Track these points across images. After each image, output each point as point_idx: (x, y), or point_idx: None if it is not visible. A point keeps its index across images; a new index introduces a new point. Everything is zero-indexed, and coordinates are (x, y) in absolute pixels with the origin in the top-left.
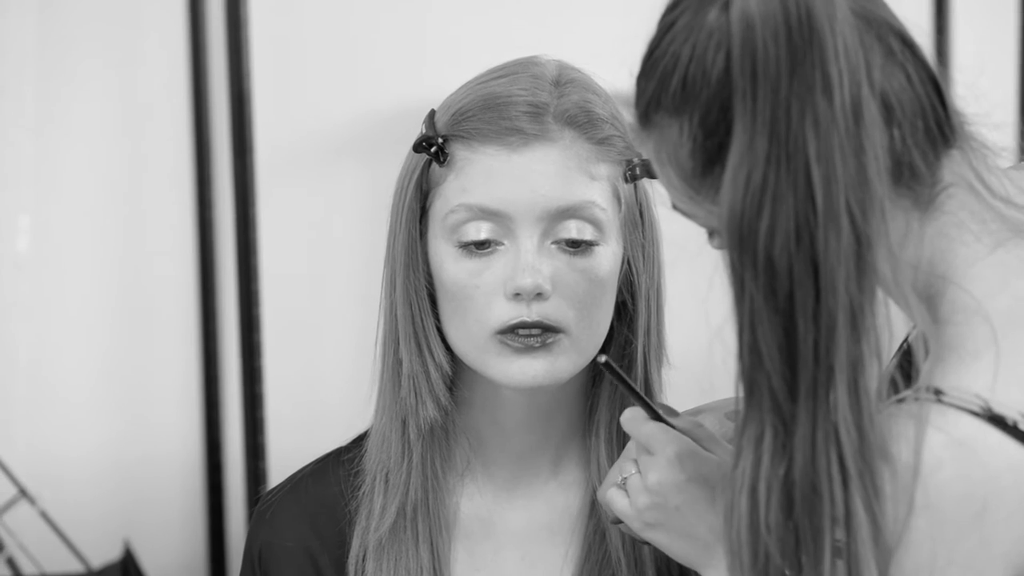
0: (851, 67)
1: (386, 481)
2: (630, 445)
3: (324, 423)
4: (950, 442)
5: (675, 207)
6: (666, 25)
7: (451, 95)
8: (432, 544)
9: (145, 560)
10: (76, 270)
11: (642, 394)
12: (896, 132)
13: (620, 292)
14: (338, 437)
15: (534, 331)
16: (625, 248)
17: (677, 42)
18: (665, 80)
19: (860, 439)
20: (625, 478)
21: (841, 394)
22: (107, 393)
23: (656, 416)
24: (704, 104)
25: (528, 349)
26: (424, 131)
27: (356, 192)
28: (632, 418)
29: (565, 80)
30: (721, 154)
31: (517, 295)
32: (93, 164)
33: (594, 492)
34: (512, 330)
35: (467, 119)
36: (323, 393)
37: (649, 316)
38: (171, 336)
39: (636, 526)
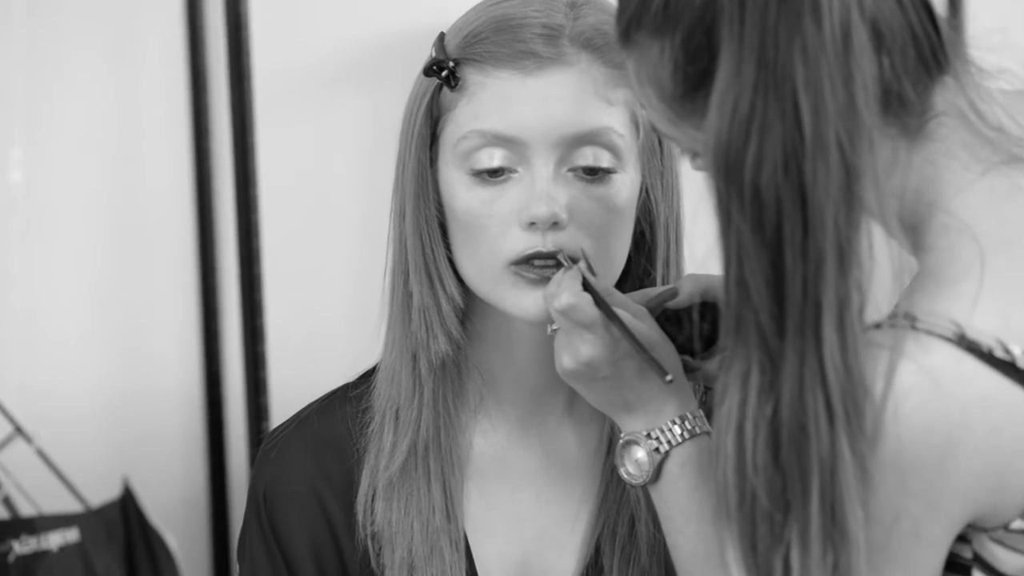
0: None
1: (396, 418)
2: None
3: (326, 356)
4: (918, 370)
5: (654, 128)
6: None
7: (462, 17)
8: (444, 483)
9: (145, 498)
10: (70, 202)
11: (594, 287)
12: (886, 60)
13: (638, 222)
14: (341, 371)
15: (549, 262)
16: (644, 176)
17: None
18: None
19: (847, 377)
20: (555, 328)
21: (828, 330)
22: (103, 328)
23: (607, 311)
24: (687, 26)
25: (543, 280)
26: (434, 54)
27: (357, 121)
28: (579, 298)
29: (581, 1)
30: (705, 80)
31: (532, 224)
32: (86, 93)
33: (611, 429)
34: (527, 261)
35: (479, 42)
36: (325, 326)
37: (668, 247)
38: (168, 269)
39: (559, 364)
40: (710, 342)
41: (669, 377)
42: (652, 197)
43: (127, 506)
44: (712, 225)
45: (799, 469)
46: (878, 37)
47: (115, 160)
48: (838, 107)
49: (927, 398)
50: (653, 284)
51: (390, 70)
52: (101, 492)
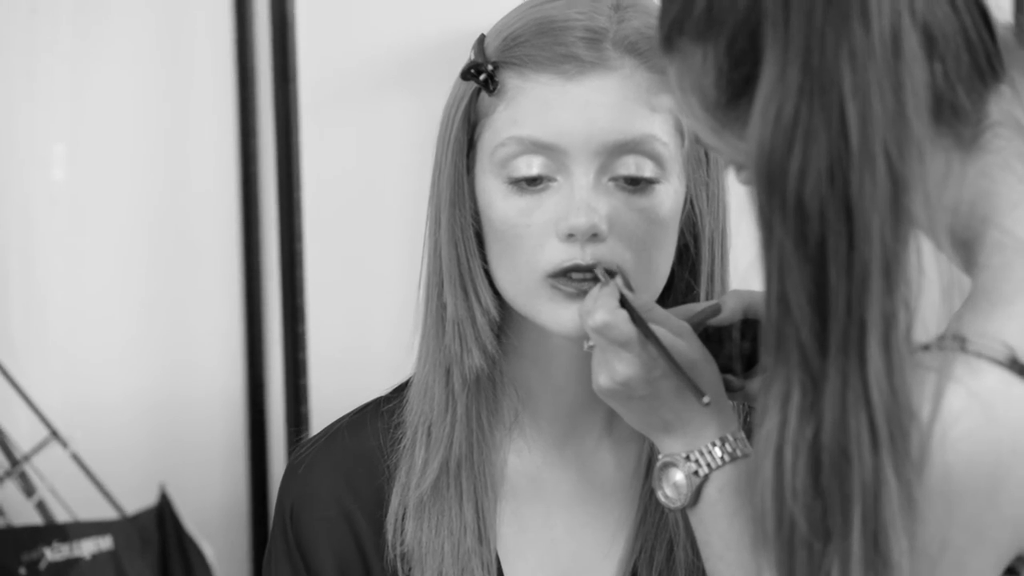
0: None
1: (428, 434)
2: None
3: (368, 366)
4: (967, 394)
5: (697, 140)
6: None
7: (503, 19)
8: (477, 503)
9: (184, 505)
10: (112, 202)
11: (632, 304)
12: (938, 66)
13: (682, 234)
14: (383, 381)
15: (588, 275)
16: (688, 187)
17: None
18: (690, 3)
19: (892, 399)
20: (591, 345)
21: (874, 350)
22: (145, 332)
23: (644, 330)
24: (731, 31)
25: (581, 294)
26: (473, 57)
27: (404, 123)
28: (615, 315)
29: (626, 3)
30: (748, 87)
31: (571, 236)
32: (131, 92)
33: (650, 450)
34: (565, 273)
35: (519, 45)
36: (368, 334)
37: (712, 261)
38: (212, 272)
39: (595, 382)
40: (753, 361)
41: (706, 399)
42: (697, 209)
43: (163, 514)
44: (754, 238)
45: (841, 495)
46: (930, 42)
47: (160, 160)
48: (887, 115)
49: (976, 424)
50: (696, 299)
51: (438, 72)
52: (138, 499)
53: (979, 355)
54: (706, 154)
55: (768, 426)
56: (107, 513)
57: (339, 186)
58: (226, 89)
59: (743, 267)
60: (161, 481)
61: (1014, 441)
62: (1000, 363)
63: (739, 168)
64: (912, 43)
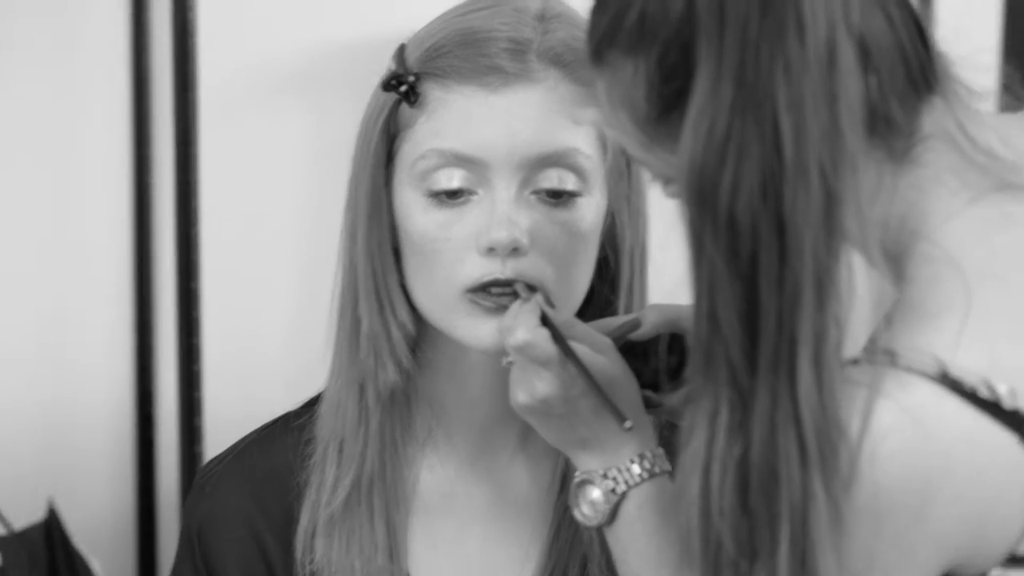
0: (827, 7)
1: (340, 451)
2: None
3: (264, 378)
4: (898, 410)
5: (624, 154)
6: None
7: (424, 28)
8: (388, 520)
9: (71, 521)
10: (1, 208)
11: (553, 321)
12: (873, 79)
13: (601, 248)
14: (279, 393)
15: (507, 290)
16: (609, 200)
17: None
18: (620, 15)
19: (823, 416)
20: (510, 361)
21: (804, 367)
22: (31, 341)
23: (564, 348)
24: (663, 44)
25: (500, 309)
26: (393, 67)
27: (302, 133)
28: (535, 334)
29: (551, 14)
30: (680, 100)
31: (491, 250)
32: (20, 95)
33: (565, 465)
34: (484, 288)
35: (442, 55)
36: (264, 346)
37: (632, 274)
38: (102, 279)
39: (513, 399)
40: (674, 376)
41: (628, 424)
42: (618, 222)
43: (51, 529)
44: (683, 254)
45: (768, 514)
46: (865, 55)
47: (51, 167)
48: (821, 129)
49: (907, 439)
50: (615, 313)
51: (337, 80)
52: (25, 514)
53: (910, 369)
54: (628, 166)
55: (695, 444)
56: None
57: (236, 195)
58: (121, 95)
59: (671, 283)
60: (50, 496)
61: (944, 457)
62: (931, 377)
63: (667, 182)
64: (847, 56)
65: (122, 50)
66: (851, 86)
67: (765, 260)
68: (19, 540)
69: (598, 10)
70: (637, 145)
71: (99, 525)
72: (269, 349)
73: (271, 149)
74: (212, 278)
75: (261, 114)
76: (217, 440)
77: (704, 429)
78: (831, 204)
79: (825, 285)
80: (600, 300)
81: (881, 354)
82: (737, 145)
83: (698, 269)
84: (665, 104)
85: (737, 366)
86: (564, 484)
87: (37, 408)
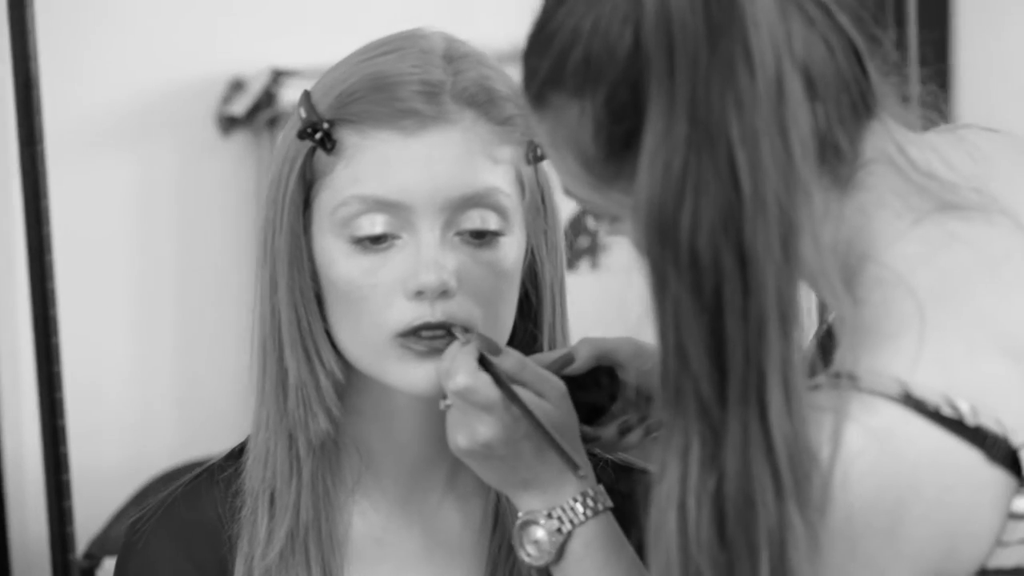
0: (773, 39)
1: (271, 502)
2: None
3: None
4: (864, 433)
5: (567, 192)
6: None
7: (330, 74)
8: (324, 568)
9: None
10: None
11: (494, 366)
12: (820, 108)
13: (522, 285)
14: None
15: (438, 332)
16: (528, 236)
17: (575, 15)
18: (563, 57)
19: (795, 443)
20: (448, 404)
21: (774, 396)
22: None
23: (508, 393)
24: (609, 84)
25: (433, 352)
26: (304, 115)
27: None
28: (476, 378)
29: (457, 55)
30: (630, 140)
31: (420, 293)
32: None
33: (496, 503)
34: (414, 332)
35: (355, 101)
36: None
37: (554, 310)
38: None
39: (452, 443)
40: (603, 409)
41: (582, 472)
42: (537, 259)
43: None
44: (646, 292)
45: (747, 544)
46: (811, 85)
47: None
48: (776, 161)
49: (875, 461)
50: (540, 350)
51: (156, 125)
52: None
53: (872, 392)
54: (543, 203)
55: (669, 480)
56: None
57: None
58: None
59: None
60: None
61: (912, 477)
62: (894, 399)
63: (612, 220)
64: (795, 87)
65: None
66: (801, 117)
67: (729, 293)
68: None
69: (536, 52)
70: (583, 186)
71: None
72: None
73: (97, 197)
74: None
75: (123, 151)
76: (83, 471)
77: (677, 465)
78: (789, 234)
79: (788, 313)
80: (525, 337)
81: (845, 378)
82: (694, 182)
83: (662, 306)
84: (615, 144)
85: (707, 399)
86: (496, 523)
87: None
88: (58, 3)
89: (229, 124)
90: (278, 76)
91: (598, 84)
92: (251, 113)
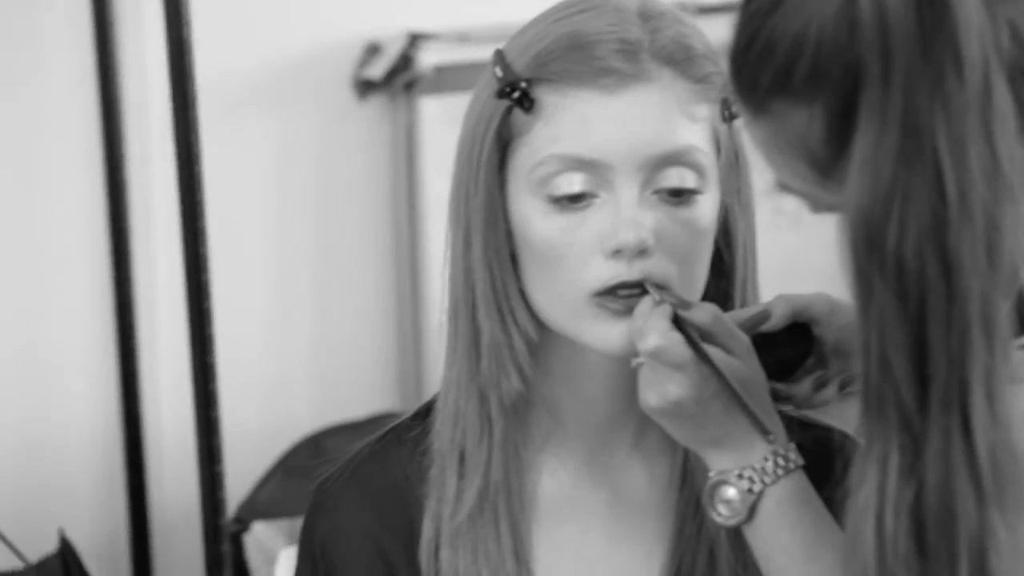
0: (981, 39)
1: (461, 461)
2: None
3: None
4: None
5: (783, 187)
6: (768, 5)
7: (523, 33)
8: (513, 527)
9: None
10: None
11: (687, 325)
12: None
13: (715, 242)
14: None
15: (635, 291)
16: (722, 195)
17: (795, 21)
18: (789, 66)
19: (999, 451)
20: (640, 363)
21: (978, 405)
22: (15, 370)
23: (699, 353)
24: (837, 88)
25: (628, 311)
26: (500, 75)
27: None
28: (668, 338)
29: (654, 12)
30: (848, 144)
31: (617, 252)
32: None
33: (684, 460)
34: (611, 291)
35: (554, 60)
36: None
37: (746, 266)
38: (82, 303)
39: (643, 401)
40: (797, 366)
41: (772, 437)
42: (731, 217)
43: (67, 559)
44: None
45: (947, 553)
46: (1013, 83)
47: (21, 181)
48: (983, 168)
49: None
50: (733, 307)
51: (294, 90)
52: (34, 546)
53: None
54: (737, 159)
55: (867, 489)
56: (12, 563)
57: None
58: (88, 92)
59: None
60: (60, 526)
61: None
62: None
63: (830, 208)
64: (1002, 92)
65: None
66: (1007, 118)
67: (933, 301)
68: (37, 572)
69: (755, 63)
70: (807, 182)
71: (93, 549)
72: (288, 364)
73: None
74: (224, 290)
75: (263, 117)
76: (236, 458)
77: (875, 474)
78: (994, 239)
79: (992, 321)
80: (717, 294)
81: None
82: (903, 191)
83: (867, 314)
84: (844, 145)
85: (908, 409)
86: (683, 480)
87: (22, 435)
88: None
89: (366, 88)
90: (415, 39)
91: (828, 90)
92: (388, 77)
